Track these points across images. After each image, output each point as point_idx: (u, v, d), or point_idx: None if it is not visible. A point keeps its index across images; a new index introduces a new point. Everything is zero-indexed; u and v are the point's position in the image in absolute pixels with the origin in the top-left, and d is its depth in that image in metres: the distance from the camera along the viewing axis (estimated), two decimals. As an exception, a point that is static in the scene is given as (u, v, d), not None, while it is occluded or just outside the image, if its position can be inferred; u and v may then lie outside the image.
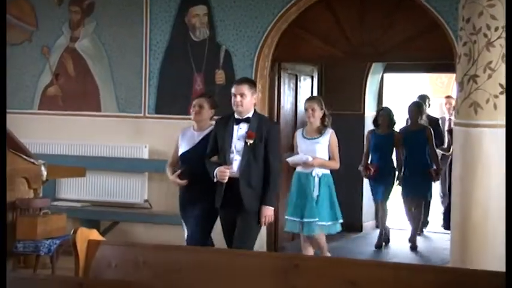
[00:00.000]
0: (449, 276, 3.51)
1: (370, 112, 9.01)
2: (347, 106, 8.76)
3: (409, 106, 8.08)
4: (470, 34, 5.50)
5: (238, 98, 5.20)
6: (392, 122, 7.89)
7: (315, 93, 8.17)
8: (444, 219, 8.88)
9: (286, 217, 6.25)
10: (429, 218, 8.96)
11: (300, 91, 7.78)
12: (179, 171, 5.51)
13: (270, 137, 5.22)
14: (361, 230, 8.76)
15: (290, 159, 6.24)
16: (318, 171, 6.12)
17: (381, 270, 3.60)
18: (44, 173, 6.57)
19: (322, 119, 6.22)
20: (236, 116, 5.27)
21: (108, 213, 7.41)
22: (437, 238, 8.58)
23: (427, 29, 6.78)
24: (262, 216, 5.18)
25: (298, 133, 6.35)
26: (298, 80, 7.83)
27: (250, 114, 5.26)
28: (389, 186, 7.88)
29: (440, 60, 7.63)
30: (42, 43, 7.88)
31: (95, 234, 4.07)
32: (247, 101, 5.21)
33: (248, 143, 5.16)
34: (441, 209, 9.23)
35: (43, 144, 7.69)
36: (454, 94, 8.62)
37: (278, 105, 7.41)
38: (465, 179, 5.57)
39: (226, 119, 5.32)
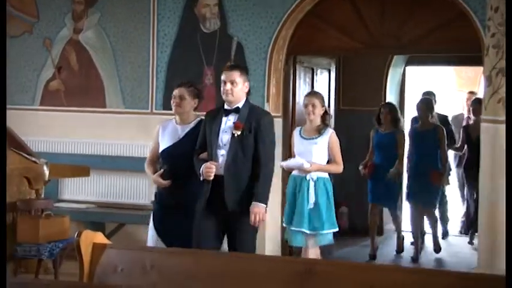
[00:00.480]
0: (474, 283, 3.50)
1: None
2: (366, 102, 8.75)
3: (417, 104, 7.87)
4: (498, 24, 5.48)
5: (228, 85, 4.99)
6: (395, 119, 7.67)
7: (333, 88, 8.18)
8: (466, 223, 8.83)
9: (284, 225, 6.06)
10: (449, 215, 8.87)
11: (316, 85, 7.78)
12: (162, 170, 5.26)
13: (261, 127, 4.96)
14: (382, 233, 8.76)
15: (285, 164, 6.03)
16: (312, 175, 5.87)
17: (401, 275, 3.61)
18: (46, 172, 6.61)
19: (323, 117, 6.00)
20: (226, 106, 5.06)
21: (113, 215, 7.45)
22: (462, 242, 8.56)
23: (452, 19, 6.75)
24: (251, 214, 4.87)
25: (296, 132, 6.12)
26: (315, 73, 7.83)
27: (240, 104, 5.03)
28: (396, 189, 7.72)
29: (466, 53, 7.60)
30: (43, 35, 7.92)
31: (100, 237, 4.10)
32: (238, 89, 4.99)
33: (235, 135, 4.92)
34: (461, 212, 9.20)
35: (45, 142, 7.74)
36: (481, 88, 8.60)
37: (293, 101, 7.42)
38: (494, 178, 5.55)
39: (216, 111, 5.14)
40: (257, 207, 4.90)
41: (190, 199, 5.10)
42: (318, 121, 5.99)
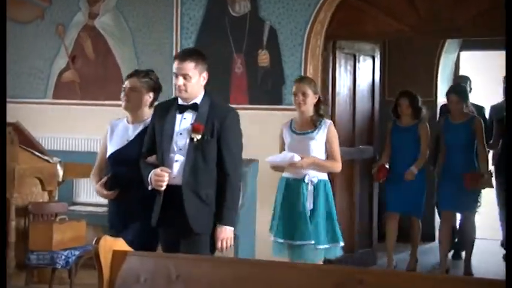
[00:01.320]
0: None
1: (443, 99, 8.91)
2: (415, 91, 8.68)
3: (447, 92, 7.50)
4: None
5: (181, 80, 4.53)
6: (417, 110, 7.38)
7: (377, 77, 8.14)
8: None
9: (271, 238, 5.68)
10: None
11: (358, 74, 7.75)
12: (105, 178, 4.78)
13: (225, 129, 4.53)
14: (434, 239, 8.71)
15: (271, 160, 5.68)
16: (312, 177, 5.56)
17: (457, 286, 3.59)
18: (60, 172, 6.69)
19: (317, 106, 5.70)
20: (180, 101, 4.62)
21: (134, 220, 7.49)
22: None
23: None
24: (218, 240, 4.52)
25: (286, 126, 5.80)
26: (357, 60, 7.80)
27: (198, 100, 4.58)
28: (420, 196, 7.31)
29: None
30: (56, 21, 8.00)
31: (120, 244, 4.12)
32: (193, 84, 4.53)
33: (194, 139, 4.49)
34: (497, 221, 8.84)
35: (58, 139, 7.82)
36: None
37: (333, 91, 7.40)
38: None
39: (167, 106, 4.67)
40: (224, 232, 4.55)
41: (142, 213, 4.67)
42: (310, 111, 5.69)
